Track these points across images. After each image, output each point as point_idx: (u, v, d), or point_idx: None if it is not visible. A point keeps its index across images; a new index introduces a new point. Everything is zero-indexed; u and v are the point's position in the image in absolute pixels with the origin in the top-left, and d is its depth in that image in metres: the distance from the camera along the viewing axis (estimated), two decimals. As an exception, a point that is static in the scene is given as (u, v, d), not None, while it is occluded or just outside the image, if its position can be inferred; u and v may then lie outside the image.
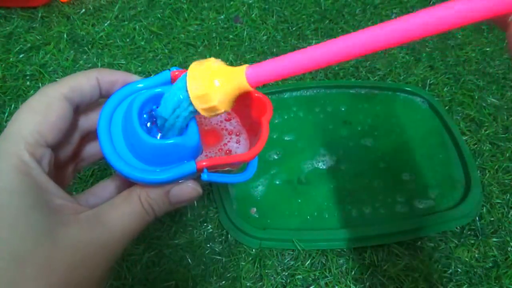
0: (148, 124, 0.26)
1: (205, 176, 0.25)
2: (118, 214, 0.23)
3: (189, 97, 0.22)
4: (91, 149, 0.29)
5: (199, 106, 0.21)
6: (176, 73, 0.26)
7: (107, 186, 0.27)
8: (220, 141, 0.31)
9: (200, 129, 0.28)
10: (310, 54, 0.18)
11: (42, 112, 0.23)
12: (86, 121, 0.27)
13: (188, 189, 0.25)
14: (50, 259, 0.20)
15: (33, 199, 0.21)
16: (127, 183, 0.27)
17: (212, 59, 0.21)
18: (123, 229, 0.23)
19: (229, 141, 0.31)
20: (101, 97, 0.26)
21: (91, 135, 0.28)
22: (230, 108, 0.22)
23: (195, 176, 0.25)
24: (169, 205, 0.25)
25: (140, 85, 0.26)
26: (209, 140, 0.30)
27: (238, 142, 0.31)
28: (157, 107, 0.25)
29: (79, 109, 0.25)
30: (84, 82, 0.24)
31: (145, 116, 0.26)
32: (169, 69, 0.26)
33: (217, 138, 0.31)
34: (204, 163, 0.24)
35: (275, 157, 0.44)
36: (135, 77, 0.27)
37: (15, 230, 0.20)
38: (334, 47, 0.17)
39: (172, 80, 0.26)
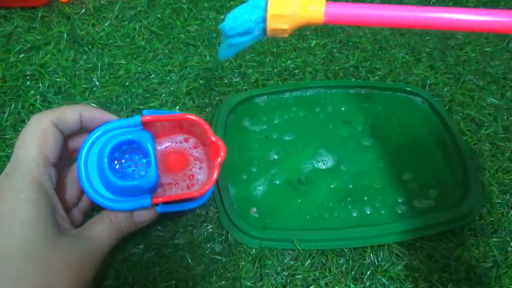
0: (123, 161, 0.32)
1: (159, 209, 0.32)
2: (96, 231, 0.30)
3: (264, 16, 0.22)
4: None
5: (272, 25, 0.22)
6: (147, 118, 0.31)
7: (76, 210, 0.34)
8: (188, 166, 0.36)
9: (173, 155, 0.36)
10: (390, 13, 0.19)
11: (41, 137, 0.28)
12: (70, 145, 0.33)
13: (147, 213, 0.33)
14: (54, 259, 0.26)
15: (45, 209, 0.26)
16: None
17: None
18: (101, 241, 0.30)
19: (193, 167, 0.36)
20: (81, 130, 0.31)
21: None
22: (290, 33, 0.23)
23: (152, 207, 0.32)
24: (133, 225, 0.32)
25: (115, 125, 0.31)
26: (179, 165, 0.36)
27: (200, 168, 0.36)
28: (128, 147, 0.32)
29: (63, 135, 0.30)
30: (68, 114, 0.30)
31: (116, 154, 0.31)
32: (140, 114, 0.31)
33: (186, 164, 0.36)
34: (160, 199, 0.31)
35: (275, 157, 0.44)
36: (112, 116, 0.32)
37: (28, 232, 0.25)
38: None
39: (143, 124, 0.31)
